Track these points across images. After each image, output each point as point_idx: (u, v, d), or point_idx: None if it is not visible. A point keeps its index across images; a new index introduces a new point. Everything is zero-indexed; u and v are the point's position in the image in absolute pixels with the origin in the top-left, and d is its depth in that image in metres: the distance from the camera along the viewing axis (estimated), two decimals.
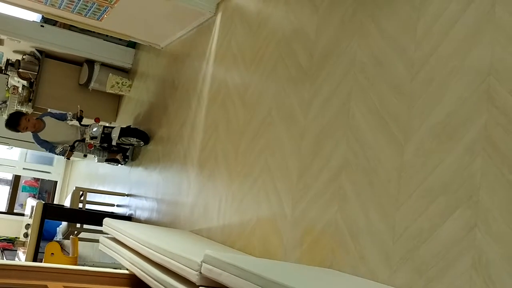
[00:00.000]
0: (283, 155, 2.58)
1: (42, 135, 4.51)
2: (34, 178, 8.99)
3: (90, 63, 5.76)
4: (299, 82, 2.57)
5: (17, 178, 8.87)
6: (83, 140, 4.66)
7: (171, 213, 3.87)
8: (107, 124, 5.13)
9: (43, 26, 5.34)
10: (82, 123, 4.77)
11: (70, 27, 5.39)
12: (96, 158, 5.10)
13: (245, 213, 2.80)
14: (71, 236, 4.73)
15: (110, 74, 5.64)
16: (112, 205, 5.39)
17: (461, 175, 1.63)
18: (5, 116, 6.72)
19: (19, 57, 6.02)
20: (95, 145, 4.74)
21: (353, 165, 2.09)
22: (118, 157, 5.03)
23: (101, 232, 3.67)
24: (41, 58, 5.76)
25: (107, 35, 5.03)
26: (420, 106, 1.84)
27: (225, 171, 3.13)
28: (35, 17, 5.30)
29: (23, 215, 6.99)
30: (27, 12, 4.74)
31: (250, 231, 2.72)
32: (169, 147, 4.22)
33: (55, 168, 8.84)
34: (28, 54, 5.94)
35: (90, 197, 5.38)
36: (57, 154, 4.62)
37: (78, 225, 5.07)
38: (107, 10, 4.13)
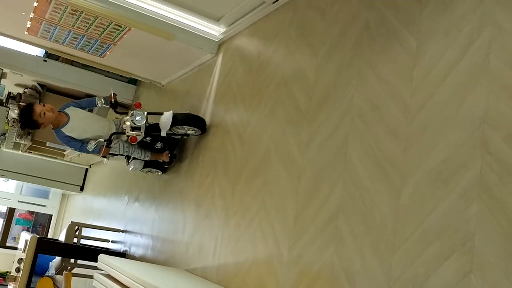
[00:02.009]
0: (280, 195, 2.59)
1: (67, 130, 3.48)
2: (29, 211, 8.93)
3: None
4: (297, 123, 2.61)
5: (11, 211, 8.81)
6: (121, 132, 3.58)
7: (166, 251, 3.84)
8: (150, 111, 3.82)
9: (45, 61, 5.43)
10: (117, 110, 3.72)
11: (72, 62, 5.47)
12: (131, 164, 4.00)
13: (241, 253, 2.79)
14: (64, 272, 4.67)
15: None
16: (107, 240, 5.35)
17: (456, 221, 1.65)
18: (3, 148, 6.75)
19: (21, 90, 6.09)
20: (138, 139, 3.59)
21: (349, 208, 2.10)
22: (164, 157, 3.91)
23: (95, 267, 3.63)
24: (42, 92, 5.84)
25: (108, 71, 5.10)
26: (416, 151, 1.87)
27: (222, 210, 3.13)
28: (38, 51, 5.39)
29: (16, 248, 6.91)
30: (30, 47, 4.82)
31: (246, 271, 2.70)
32: (166, 183, 4.22)
33: (50, 202, 8.80)
34: (29, 88, 6.02)
35: (85, 232, 5.34)
36: (90, 152, 3.57)
37: (72, 260, 5.02)
38: (109, 47, 4.21)
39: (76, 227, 5.15)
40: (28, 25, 3.94)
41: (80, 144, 3.53)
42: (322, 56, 2.56)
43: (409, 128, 1.93)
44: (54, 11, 3.62)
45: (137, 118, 3.37)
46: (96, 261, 3.37)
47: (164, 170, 4.12)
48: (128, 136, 3.48)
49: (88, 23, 3.74)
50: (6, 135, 6.55)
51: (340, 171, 2.22)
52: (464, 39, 1.79)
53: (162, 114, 3.49)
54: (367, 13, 2.33)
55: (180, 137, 3.78)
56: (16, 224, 8.81)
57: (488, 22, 1.72)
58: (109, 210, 5.86)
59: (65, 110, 3.54)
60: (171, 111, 3.45)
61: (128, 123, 3.39)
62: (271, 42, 3.09)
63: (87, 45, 4.25)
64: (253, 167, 2.92)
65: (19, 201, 8.54)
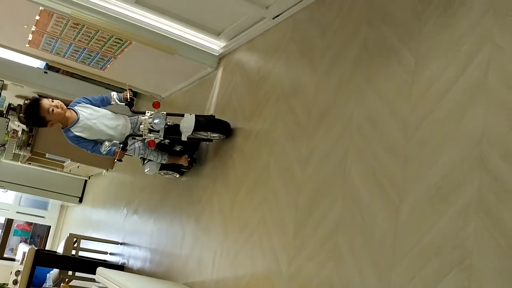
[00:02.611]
0: (279, 210, 2.60)
1: (76, 130, 3.09)
2: (27, 222, 8.91)
3: None
4: (297, 138, 2.63)
5: (9, 222, 8.78)
6: (138, 135, 3.22)
7: (165, 264, 3.84)
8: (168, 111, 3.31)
9: (46, 73, 5.45)
10: (133, 109, 3.33)
11: (73, 74, 5.49)
12: (146, 166, 3.69)
13: (239, 268, 2.79)
14: (62, 284, 4.66)
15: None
16: (105, 253, 5.33)
17: (454, 238, 1.66)
18: (2, 159, 6.75)
19: (21, 101, 6.10)
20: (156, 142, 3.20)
21: (349, 224, 2.11)
22: (183, 161, 3.60)
23: (93, 280, 3.62)
24: None
25: (109, 84, 5.12)
26: (415, 168, 1.88)
27: (221, 224, 3.13)
28: (39, 63, 5.41)
29: (13, 260, 6.89)
30: (31, 59, 4.84)
31: (245, 286, 2.70)
32: (165, 196, 4.22)
33: (49, 213, 8.78)
34: (29, 99, 6.02)
35: (84, 244, 5.33)
36: (103, 155, 3.16)
37: (70, 273, 5.00)
38: (110, 60, 4.24)
39: (75, 239, 5.14)
40: (30, 38, 3.97)
41: (92, 145, 3.16)
42: (322, 72, 2.58)
43: (408, 145, 1.94)
44: (56, 25, 3.65)
45: (156, 121, 3.06)
46: (94, 273, 3.37)
47: (181, 173, 3.85)
48: (144, 139, 3.16)
49: (89, 36, 3.77)
50: (6, 146, 6.56)
51: (339, 187, 2.23)
52: (463, 57, 1.81)
53: (183, 115, 3.19)
54: (366, 30, 2.35)
55: (200, 141, 3.48)
56: (14, 235, 8.78)
57: (487, 41, 1.74)
58: (108, 222, 5.85)
59: (75, 108, 3.14)
60: (194, 114, 3.14)
61: (145, 125, 3.08)
62: (271, 57, 3.12)
63: (88, 58, 4.28)
64: (253, 181, 2.93)
65: (17, 212, 8.52)
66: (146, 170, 3.67)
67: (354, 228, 2.08)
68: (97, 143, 3.15)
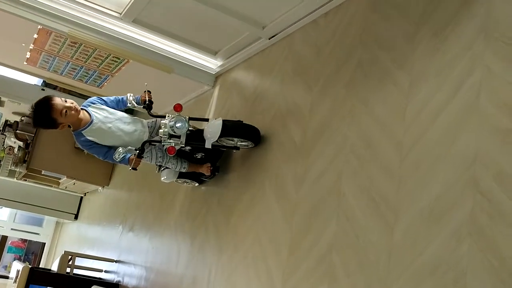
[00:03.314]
0: (274, 230, 2.60)
1: (89, 134, 2.78)
2: (21, 239, 8.86)
3: None
4: (292, 157, 2.64)
5: (3, 239, 8.74)
6: (156, 140, 2.87)
7: (160, 283, 3.82)
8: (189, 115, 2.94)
9: (43, 90, 5.46)
10: (151, 112, 2.98)
11: (70, 92, 5.51)
12: (163, 174, 3.38)
13: (234, 287, 2.78)
14: None
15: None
16: (100, 270, 5.31)
17: (448, 259, 1.66)
18: None
19: (18, 118, 6.12)
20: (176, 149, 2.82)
21: (343, 244, 2.11)
22: (204, 170, 3.26)
23: None
24: None
25: None
26: (408, 189, 1.89)
27: (216, 243, 3.13)
28: (36, 80, 5.43)
29: (7, 277, 6.84)
30: (29, 76, 4.86)
31: None
32: (160, 214, 4.22)
33: (44, 230, 8.74)
34: (26, 116, 6.05)
35: (78, 261, 5.30)
36: (117, 162, 2.84)
37: None
38: (107, 78, 4.27)
39: (70, 257, 5.12)
40: (28, 56, 4.00)
41: (105, 151, 2.85)
42: (316, 92, 2.61)
43: (402, 166, 1.96)
44: (54, 43, 3.68)
45: (178, 125, 2.72)
46: None
47: (201, 182, 3.53)
48: (163, 145, 2.82)
49: (86, 55, 3.80)
50: (2, 162, 6.56)
51: (334, 207, 2.24)
52: (455, 80, 1.84)
53: (207, 120, 2.94)
54: (360, 51, 2.38)
55: (225, 148, 3.08)
56: (8, 252, 8.73)
57: (478, 64, 1.77)
58: (103, 239, 5.82)
59: (89, 109, 2.83)
60: (220, 119, 2.81)
61: (165, 129, 2.75)
62: (267, 76, 3.14)
63: (85, 76, 4.30)
64: (248, 199, 2.93)
65: (12, 229, 8.48)
66: (162, 178, 3.38)
67: (348, 248, 2.08)
68: (111, 148, 2.85)
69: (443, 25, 1.97)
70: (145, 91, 2.97)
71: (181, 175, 3.37)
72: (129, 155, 2.78)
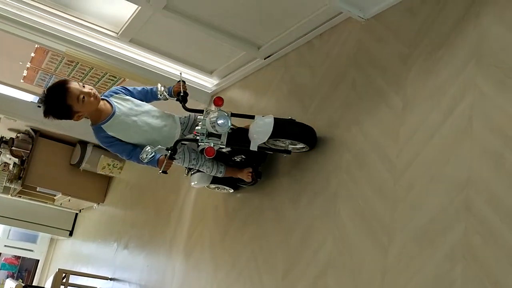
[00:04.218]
0: (270, 248, 2.60)
1: (110, 129, 2.36)
2: (15, 255, 8.80)
3: (83, 144, 5.85)
4: (289, 176, 2.65)
5: None
6: (192, 139, 2.42)
7: None
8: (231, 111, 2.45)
9: (39, 107, 5.45)
10: (187, 105, 2.53)
11: None
12: (194, 178, 2.95)
13: None
14: None
15: (102, 155, 5.72)
16: None
17: (442, 281, 1.67)
18: None
19: (14, 135, 6.11)
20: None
21: (338, 264, 2.12)
22: (244, 175, 2.78)
23: None
24: (35, 137, 5.86)
25: None
26: (402, 210, 1.91)
27: (211, 261, 3.13)
28: (32, 98, 5.44)
29: None
30: (25, 93, 4.88)
31: None
32: (156, 232, 4.21)
33: (38, 246, 8.68)
34: (22, 133, 6.04)
35: (72, 279, 5.27)
36: (144, 163, 2.35)
37: None
38: None
39: (64, 274, 5.09)
40: (25, 74, 4.02)
41: (129, 150, 2.43)
42: (311, 112, 2.63)
43: (395, 187, 1.97)
44: (51, 62, 3.70)
45: (220, 121, 2.27)
46: None
47: (236, 188, 3.04)
48: (198, 144, 2.39)
49: (83, 73, 3.82)
50: None
51: (329, 226, 2.24)
52: (448, 102, 1.86)
53: (252, 117, 2.48)
54: (355, 73, 2.41)
55: (272, 152, 2.60)
56: (1, 269, 8.66)
57: (470, 87, 1.80)
58: (98, 257, 5.79)
59: (110, 99, 2.42)
60: (272, 116, 2.37)
61: (205, 126, 2.32)
62: (263, 95, 3.17)
63: None
64: (244, 217, 2.93)
65: (5, 246, 8.43)
66: (192, 183, 2.97)
67: (343, 268, 2.09)
68: (137, 147, 2.43)
69: (436, 47, 2.00)
70: (178, 81, 2.53)
71: (214, 180, 2.94)
72: (158, 155, 2.35)
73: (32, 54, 3.62)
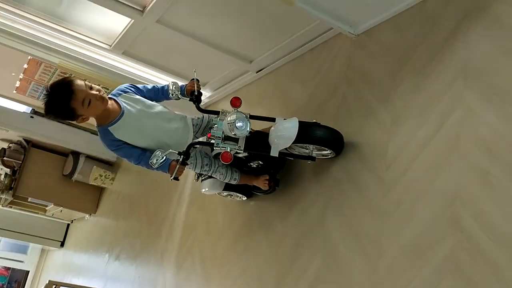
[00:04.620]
0: (260, 262, 2.61)
1: (117, 131, 2.19)
2: (4, 266, 8.72)
3: (76, 154, 5.84)
4: (278, 190, 2.66)
5: None
6: (207, 143, 2.21)
7: None
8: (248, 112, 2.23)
9: (32, 117, 5.47)
10: (200, 106, 2.35)
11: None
12: (205, 184, 2.75)
13: None
14: None
15: (94, 166, 5.71)
16: None
17: None
18: None
19: (5, 145, 6.09)
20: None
21: (328, 279, 2.13)
22: (261, 183, 2.57)
23: None
24: (27, 148, 5.84)
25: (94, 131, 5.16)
26: (391, 224, 1.92)
27: (202, 273, 3.12)
28: (25, 108, 5.45)
29: None
30: (18, 103, 4.88)
31: None
32: (147, 243, 4.20)
33: (29, 257, 8.61)
34: (14, 143, 6.03)
35: None
36: (154, 169, 2.17)
37: None
38: None
39: (54, 286, 5.04)
40: (17, 85, 4.03)
41: (137, 154, 2.24)
42: None
43: (384, 201, 1.99)
44: (44, 73, 3.71)
45: (239, 124, 2.06)
46: None
47: (250, 195, 2.83)
48: (213, 148, 2.18)
49: None
50: None
51: (318, 241, 2.25)
52: (436, 118, 1.89)
53: (273, 120, 2.25)
54: (345, 87, 2.43)
55: (294, 158, 2.39)
56: None
57: (459, 103, 1.82)
58: (90, 267, 5.76)
59: (119, 99, 2.24)
60: (296, 119, 2.14)
61: (223, 128, 2.13)
62: (255, 108, 3.18)
63: None
64: (235, 231, 2.94)
65: None
66: (203, 190, 2.76)
67: (333, 283, 2.09)
68: (146, 151, 2.25)
69: (425, 63, 2.03)
70: (192, 79, 2.34)
71: (226, 187, 2.73)
72: (170, 160, 2.19)
73: (25, 66, 3.63)
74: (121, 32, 3.13)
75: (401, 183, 1.94)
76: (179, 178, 2.15)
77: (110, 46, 3.32)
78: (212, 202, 3.32)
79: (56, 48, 3.30)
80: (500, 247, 1.53)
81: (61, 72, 3.63)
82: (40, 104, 4.41)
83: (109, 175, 5.74)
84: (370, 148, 2.14)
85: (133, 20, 2.92)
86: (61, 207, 6.28)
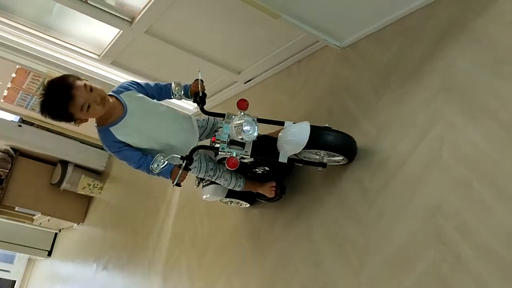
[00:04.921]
0: (245, 274, 2.61)
1: (119, 132, 2.04)
2: None
3: (64, 163, 5.82)
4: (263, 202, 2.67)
5: None
6: (211, 147, 2.06)
7: None
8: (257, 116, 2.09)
9: (20, 126, 5.45)
10: (205, 108, 2.23)
11: (48, 128, 5.51)
12: (206, 190, 2.60)
13: None
14: None
15: (83, 175, 5.69)
16: None
17: None
18: None
19: None
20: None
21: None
22: (267, 190, 2.44)
23: None
24: (15, 156, 5.81)
25: (83, 140, 5.16)
26: (375, 236, 1.94)
27: (189, 285, 3.12)
28: (13, 117, 5.43)
29: None
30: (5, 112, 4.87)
31: None
32: (134, 253, 4.19)
33: (15, 267, 8.52)
34: (2, 152, 6.00)
35: None
36: (154, 174, 2.03)
37: None
38: None
39: None
40: (5, 94, 4.02)
41: (138, 157, 2.08)
42: None
43: (368, 213, 2.01)
44: (32, 82, 3.71)
45: (246, 128, 1.94)
46: None
47: (253, 202, 2.71)
48: (219, 153, 2.02)
49: None
50: None
51: (303, 251, 2.26)
52: (417, 132, 1.91)
53: (282, 123, 2.14)
54: (331, 100, 2.46)
55: (303, 164, 2.25)
56: None
57: (439, 117, 1.85)
58: (77, 277, 5.72)
59: (121, 96, 2.08)
60: (307, 123, 2.02)
61: (225, 133, 2.01)
62: None
63: None
64: (220, 242, 2.94)
65: None
66: (205, 196, 2.61)
67: None
68: (147, 155, 2.10)
69: (405, 78, 2.07)
70: (196, 80, 2.24)
71: (229, 194, 2.59)
72: (172, 165, 2.06)
73: (13, 75, 3.63)
74: (110, 42, 3.14)
75: (384, 195, 1.96)
76: (181, 184, 2.01)
77: (99, 56, 3.33)
78: (199, 213, 3.32)
79: (45, 58, 3.30)
80: (481, 258, 1.55)
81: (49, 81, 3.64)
82: (28, 113, 4.42)
83: (97, 184, 5.72)
84: (355, 159, 2.16)
85: (122, 31, 2.94)
86: (49, 216, 6.24)
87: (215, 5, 2.53)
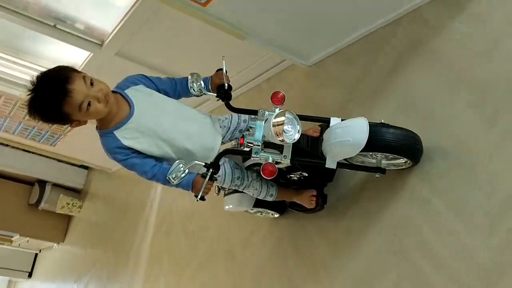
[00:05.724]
0: None
1: (125, 135, 1.68)
2: None
3: (42, 183, 5.77)
4: (240, 219, 2.69)
5: None
6: (243, 152, 1.69)
7: None
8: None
9: None
10: (230, 103, 1.80)
11: (24, 150, 5.46)
12: (229, 200, 2.21)
13: None
14: None
15: (61, 194, 5.65)
16: None
17: None
18: None
19: None
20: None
21: None
22: (306, 200, 2.08)
23: None
24: None
25: (60, 160, 5.12)
26: (342, 254, 1.98)
27: None
28: None
29: None
30: None
31: None
32: (115, 273, 4.17)
33: None
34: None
35: None
36: (172, 185, 1.65)
37: None
38: (60, 137, 4.28)
39: None
40: None
41: (151, 165, 1.71)
42: None
43: (336, 231, 2.04)
44: (4, 105, 3.69)
45: (287, 127, 1.52)
46: None
47: (283, 212, 2.32)
48: (252, 157, 1.65)
49: None
50: None
51: (279, 270, 2.29)
52: None
53: (327, 121, 1.79)
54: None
55: (354, 170, 1.89)
56: None
57: None
58: None
59: (127, 92, 1.73)
60: (364, 119, 1.64)
61: (260, 133, 1.62)
62: None
63: (38, 135, 4.31)
64: (197, 261, 2.96)
65: None
66: (227, 207, 2.23)
67: None
68: (161, 162, 1.73)
69: (369, 95, 2.12)
70: (218, 70, 1.87)
71: (256, 203, 2.18)
72: (193, 175, 1.67)
73: None
74: (81, 65, 3.15)
75: (350, 212, 2.00)
76: (205, 197, 1.63)
77: None
78: (175, 233, 3.33)
79: (17, 81, 3.30)
80: (440, 273, 1.59)
81: (22, 104, 3.62)
82: (2, 134, 4.38)
83: (76, 203, 5.69)
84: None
85: (92, 53, 2.95)
86: (28, 237, 6.18)
87: (184, 27, 2.56)
